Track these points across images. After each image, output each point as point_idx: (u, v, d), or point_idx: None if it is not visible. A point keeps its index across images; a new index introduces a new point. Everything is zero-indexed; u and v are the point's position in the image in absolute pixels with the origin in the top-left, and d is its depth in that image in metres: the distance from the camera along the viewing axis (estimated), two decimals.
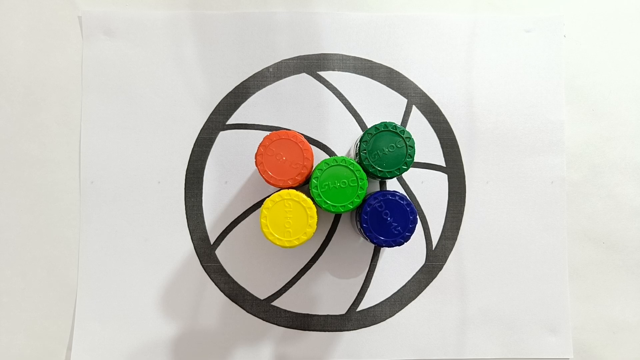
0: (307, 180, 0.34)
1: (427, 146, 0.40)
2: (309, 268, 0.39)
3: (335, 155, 0.39)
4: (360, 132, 0.39)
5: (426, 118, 0.40)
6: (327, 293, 0.39)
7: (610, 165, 0.40)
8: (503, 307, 0.39)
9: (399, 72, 0.40)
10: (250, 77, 0.40)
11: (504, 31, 0.40)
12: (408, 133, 0.33)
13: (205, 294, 0.39)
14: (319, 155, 0.39)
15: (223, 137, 0.40)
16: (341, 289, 0.39)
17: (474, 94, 0.40)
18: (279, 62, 0.40)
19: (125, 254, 0.39)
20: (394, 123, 0.33)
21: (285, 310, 0.39)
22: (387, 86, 0.40)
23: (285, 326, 0.39)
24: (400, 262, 0.39)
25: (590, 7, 0.41)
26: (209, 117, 0.40)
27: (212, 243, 0.39)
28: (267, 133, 0.33)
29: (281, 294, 0.39)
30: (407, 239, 0.32)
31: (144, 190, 0.39)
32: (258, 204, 0.39)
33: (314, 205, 0.32)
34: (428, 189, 0.39)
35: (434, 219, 0.39)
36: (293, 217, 0.32)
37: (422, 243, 0.39)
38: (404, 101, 0.40)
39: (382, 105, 0.40)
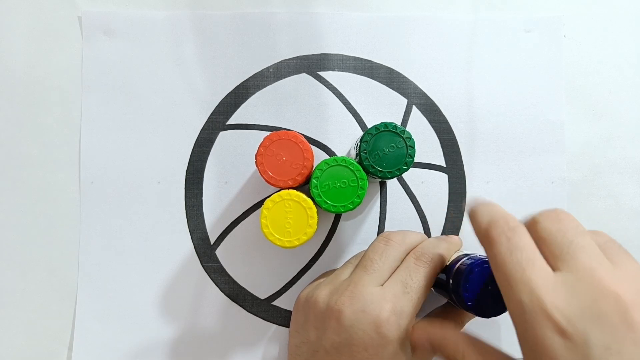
0: (307, 181, 0.34)
1: (427, 146, 0.40)
2: (309, 268, 0.39)
3: (335, 155, 0.39)
4: (360, 132, 0.39)
5: (426, 118, 0.40)
6: None
7: (610, 165, 0.40)
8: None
9: (399, 72, 0.40)
10: (250, 77, 0.40)
11: (504, 31, 0.40)
12: (408, 133, 0.33)
13: (205, 294, 0.39)
14: (319, 155, 0.39)
15: (223, 137, 0.39)
16: None
17: (474, 94, 0.40)
18: (279, 62, 0.40)
19: (125, 254, 0.39)
20: (394, 123, 0.33)
21: (285, 310, 0.39)
22: (387, 86, 0.40)
23: (286, 326, 0.39)
24: None
25: (590, 7, 0.41)
26: (209, 117, 0.39)
27: (212, 243, 0.39)
28: (267, 133, 0.33)
29: (281, 294, 0.39)
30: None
31: (144, 190, 0.39)
32: (258, 204, 0.39)
33: (314, 206, 0.32)
34: (428, 189, 0.39)
35: (434, 219, 0.39)
36: (293, 217, 0.32)
37: None
38: (404, 101, 0.40)
39: (382, 105, 0.40)
